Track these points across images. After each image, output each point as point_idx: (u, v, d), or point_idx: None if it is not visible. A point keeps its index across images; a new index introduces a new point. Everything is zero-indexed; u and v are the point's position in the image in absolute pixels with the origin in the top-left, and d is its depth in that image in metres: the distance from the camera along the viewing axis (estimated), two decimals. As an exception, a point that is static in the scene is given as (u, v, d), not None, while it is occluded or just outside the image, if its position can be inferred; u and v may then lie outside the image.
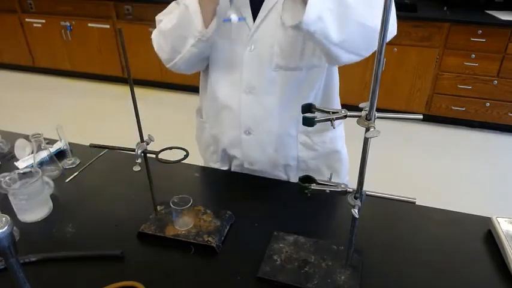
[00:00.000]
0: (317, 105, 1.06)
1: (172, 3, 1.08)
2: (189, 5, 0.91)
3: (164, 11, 1.08)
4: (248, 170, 1.17)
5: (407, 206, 0.79)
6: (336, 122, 1.12)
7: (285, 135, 1.09)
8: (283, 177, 1.18)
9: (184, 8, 0.93)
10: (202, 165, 1.28)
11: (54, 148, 1.23)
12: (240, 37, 0.97)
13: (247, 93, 1.03)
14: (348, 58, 0.90)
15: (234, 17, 0.79)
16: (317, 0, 0.77)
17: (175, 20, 0.96)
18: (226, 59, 1.03)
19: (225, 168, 1.24)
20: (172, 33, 0.98)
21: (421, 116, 0.65)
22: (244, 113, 1.06)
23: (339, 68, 1.09)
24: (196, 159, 1.32)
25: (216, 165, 1.24)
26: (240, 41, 0.98)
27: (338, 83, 1.12)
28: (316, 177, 1.19)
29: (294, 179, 1.18)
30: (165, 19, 1.02)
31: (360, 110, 0.66)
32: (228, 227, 0.93)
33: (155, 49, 1.04)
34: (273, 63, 0.99)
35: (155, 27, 1.08)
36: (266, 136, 1.08)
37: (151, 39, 1.06)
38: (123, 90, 4.04)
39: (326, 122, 1.08)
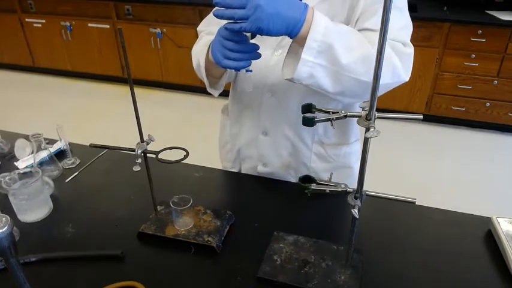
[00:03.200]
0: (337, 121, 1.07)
1: (211, 13, 1.09)
2: (201, 65, 0.98)
3: (204, 20, 1.12)
4: (260, 173, 1.17)
5: (407, 206, 0.79)
6: (352, 138, 1.13)
7: (300, 142, 1.09)
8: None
9: (198, 62, 1.00)
10: (206, 166, 1.27)
11: (54, 148, 1.23)
12: (268, 41, 0.97)
13: (269, 96, 1.04)
14: (349, 101, 0.92)
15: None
16: (309, 58, 0.79)
17: (195, 65, 1.03)
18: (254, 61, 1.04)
19: (235, 170, 1.24)
20: (196, 71, 1.06)
21: (421, 116, 0.65)
22: (264, 114, 1.07)
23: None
24: (196, 159, 1.31)
25: (229, 165, 1.25)
26: (269, 45, 0.99)
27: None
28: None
29: None
30: (196, 49, 1.04)
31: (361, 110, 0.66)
32: (228, 227, 0.93)
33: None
34: None
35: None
36: (282, 139, 1.09)
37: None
38: (123, 90, 4.04)
39: (343, 137, 1.11)
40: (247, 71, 0.86)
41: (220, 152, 1.30)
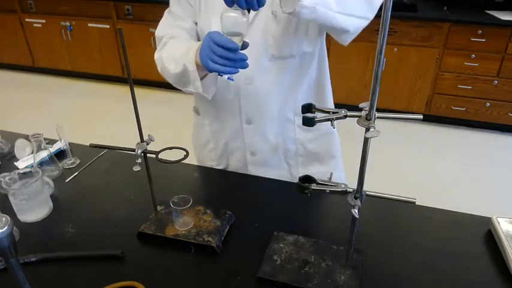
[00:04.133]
0: (312, 91, 1.12)
1: (166, 16, 1.10)
2: (189, 69, 0.96)
3: (161, 24, 1.10)
4: (249, 163, 1.18)
5: (407, 206, 0.79)
6: (329, 103, 1.18)
7: (284, 120, 1.13)
8: (284, 166, 1.20)
9: (183, 67, 0.97)
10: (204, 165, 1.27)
11: (54, 148, 1.23)
12: None
13: (246, 84, 1.05)
14: (355, 24, 0.92)
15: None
16: None
17: (177, 71, 0.99)
18: None
19: (222, 166, 1.24)
20: (174, 77, 1.02)
21: (421, 116, 0.65)
22: (245, 103, 1.09)
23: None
24: (196, 159, 1.31)
25: (213, 163, 1.25)
26: None
27: (328, 71, 1.16)
28: (316, 162, 1.20)
29: (295, 167, 1.20)
30: (167, 54, 1.03)
31: (360, 110, 0.66)
32: (228, 227, 0.93)
33: (159, 71, 1.07)
34: (268, 54, 1.03)
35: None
36: (267, 123, 1.12)
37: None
38: (123, 90, 4.04)
39: (321, 104, 1.12)
40: (228, 78, 0.87)
41: (201, 153, 1.28)
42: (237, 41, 0.84)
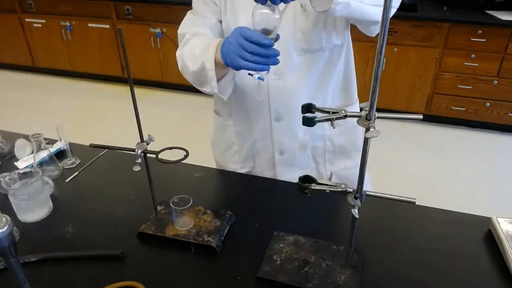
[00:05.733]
0: (341, 83, 1.12)
1: (189, 15, 1.09)
2: (207, 68, 0.94)
3: (184, 22, 1.09)
4: (277, 162, 1.16)
5: (407, 206, 0.79)
6: (354, 97, 1.17)
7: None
8: (311, 164, 1.18)
9: (201, 65, 0.95)
10: (206, 165, 1.27)
11: (54, 148, 1.23)
12: None
13: (275, 80, 1.04)
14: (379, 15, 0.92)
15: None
16: None
17: (195, 68, 0.98)
18: None
19: (246, 169, 1.22)
20: (193, 75, 1.01)
21: (421, 116, 0.65)
22: (274, 99, 1.07)
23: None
24: (196, 159, 1.31)
25: (237, 167, 1.22)
26: None
27: (353, 61, 1.15)
28: (343, 157, 1.20)
29: (322, 165, 1.18)
30: (187, 52, 1.02)
31: (360, 110, 0.66)
32: (228, 227, 0.93)
33: (179, 69, 1.06)
34: (297, 48, 1.02)
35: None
36: (296, 119, 1.10)
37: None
38: (123, 90, 4.04)
39: (347, 97, 1.15)
40: (259, 78, 0.85)
41: (223, 157, 1.26)
42: (270, 37, 0.82)
